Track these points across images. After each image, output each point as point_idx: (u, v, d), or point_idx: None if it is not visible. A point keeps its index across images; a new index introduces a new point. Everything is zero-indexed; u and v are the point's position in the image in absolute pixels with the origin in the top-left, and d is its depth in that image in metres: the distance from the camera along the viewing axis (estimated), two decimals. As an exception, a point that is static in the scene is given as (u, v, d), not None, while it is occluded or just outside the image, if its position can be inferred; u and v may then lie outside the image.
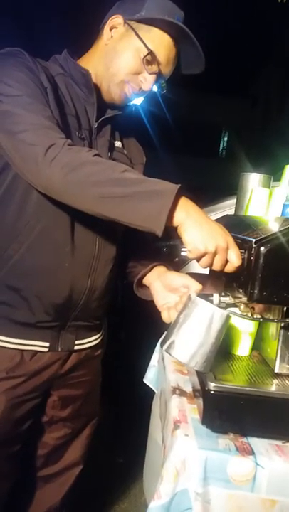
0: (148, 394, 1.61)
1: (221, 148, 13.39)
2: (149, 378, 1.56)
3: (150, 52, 1.08)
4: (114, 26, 1.12)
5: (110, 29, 1.12)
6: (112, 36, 1.12)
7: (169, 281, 1.13)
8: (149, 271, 1.19)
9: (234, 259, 0.92)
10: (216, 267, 0.92)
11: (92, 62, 1.14)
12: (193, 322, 0.94)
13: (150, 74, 1.10)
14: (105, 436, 1.44)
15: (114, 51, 1.11)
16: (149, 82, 1.11)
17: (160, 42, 1.09)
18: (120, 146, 1.23)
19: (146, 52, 1.08)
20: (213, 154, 12.97)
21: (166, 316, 1.07)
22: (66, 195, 0.95)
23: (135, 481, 2.05)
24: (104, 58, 1.13)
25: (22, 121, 0.95)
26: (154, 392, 1.57)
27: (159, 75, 1.12)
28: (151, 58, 1.09)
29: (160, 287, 1.14)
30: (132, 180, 0.92)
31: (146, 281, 1.20)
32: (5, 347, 1.10)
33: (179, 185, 0.90)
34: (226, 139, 13.33)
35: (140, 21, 1.09)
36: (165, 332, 0.99)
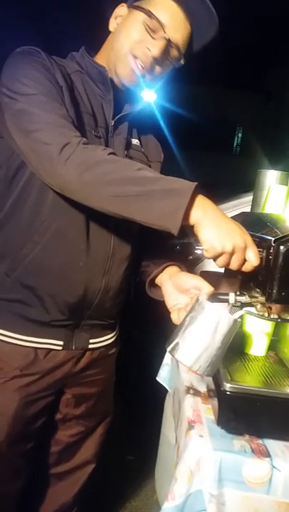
0: (160, 392, 1.60)
1: (235, 144, 13.29)
2: (162, 377, 1.56)
3: (151, 16, 1.04)
4: (119, 15, 1.12)
5: (115, 18, 1.12)
6: (117, 24, 1.12)
7: (181, 282, 1.10)
8: (162, 271, 1.17)
9: (252, 258, 0.89)
10: (233, 266, 0.90)
11: (106, 56, 1.12)
12: (198, 325, 0.91)
13: (156, 39, 1.06)
14: (116, 433, 1.43)
15: (119, 32, 1.10)
16: (157, 47, 1.05)
17: (163, 6, 1.06)
18: (137, 143, 1.21)
19: (148, 19, 1.04)
20: (227, 150, 12.86)
21: (176, 317, 1.05)
22: (81, 194, 0.94)
23: (146, 478, 2.05)
24: (112, 45, 1.11)
25: (37, 120, 0.94)
26: (166, 390, 1.56)
27: (168, 41, 1.06)
28: (155, 23, 1.05)
29: (171, 288, 1.12)
30: (148, 178, 0.90)
31: (158, 281, 1.18)
32: (19, 345, 1.10)
33: (196, 183, 0.87)
34: (240, 134, 13.21)
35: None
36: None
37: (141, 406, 2.23)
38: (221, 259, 0.89)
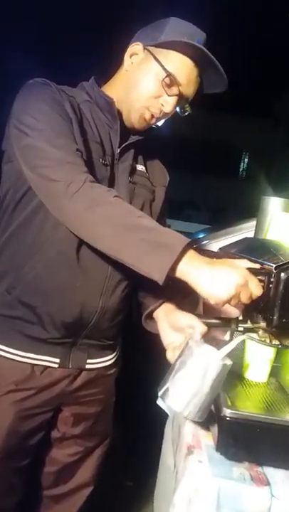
0: (160, 416, 1.58)
1: (241, 169, 13.41)
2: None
3: (168, 75, 1.09)
4: (135, 53, 1.14)
5: (130, 56, 1.15)
6: (132, 63, 1.14)
7: (175, 321, 1.13)
8: (158, 306, 1.20)
9: (255, 290, 0.92)
10: (244, 301, 0.92)
11: (115, 89, 1.17)
12: (187, 370, 0.92)
13: (170, 96, 1.11)
14: (115, 457, 1.42)
15: (135, 77, 1.14)
16: (170, 104, 1.12)
17: (179, 64, 1.10)
18: (142, 169, 1.25)
19: (164, 75, 1.09)
20: (233, 175, 12.98)
21: (171, 356, 1.07)
22: (80, 229, 1.00)
23: (144, 505, 2.01)
24: (125, 85, 1.15)
25: (45, 157, 0.99)
26: (167, 415, 1.55)
27: (180, 96, 1.12)
28: (170, 81, 1.10)
29: (166, 326, 1.15)
30: (144, 227, 0.94)
31: (155, 315, 1.20)
32: (17, 360, 1.11)
33: (188, 240, 0.92)
34: (246, 160, 13.34)
35: (158, 46, 1.11)
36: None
37: (141, 430, 2.20)
38: (232, 303, 0.91)
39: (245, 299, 0.92)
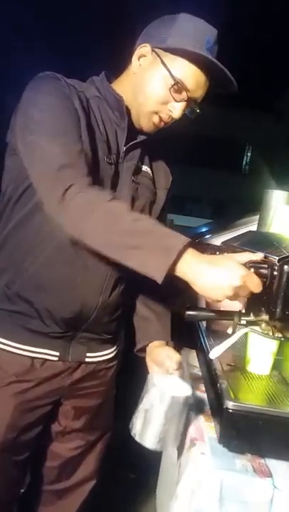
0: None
1: (244, 163, 13.38)
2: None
3: (176, 82, 1.07)
4: (143, 55, 1.11)
5: (138, 58, 1.12)
6: (140, 65, 1.12)
7: (156, 356, 1.20)
8: (146, 345, 1.27)
9: (254, 289, 0.92)
10: (243, 296, 0.94)
11: (123, 89, 1.14)
12: (144, 403, 1.00)
13: (179, 102, 1.10)
14: (117, 450, 1.42)
15: (142, 80, 1.11)
16: (178, 110, 1.10)
17: (187, 70, 1.07)
18: (147, 170, 1.23)
19: (172, 82, 1.07)
20: (236, 169, 12.96)
21: None
22: (78, 235, 0.99)
23: (147, 497, 2.01)
24: (133, 87, 1.13)
25: (47, 155, 0.98)
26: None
27: (189, 100, 1.11)
28: (178, 87, 1.08)
29: (151, 364, 1.22)
30: (141, 231, 0.94)
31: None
32: (17, 353, 1.12)
33: (187, 241, 0.91)
34: (249, 154, 13.31)
35: (166, 50, 1.08)
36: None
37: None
38: (231, 299, 0.93)
39: (243, 296, 0.93)
